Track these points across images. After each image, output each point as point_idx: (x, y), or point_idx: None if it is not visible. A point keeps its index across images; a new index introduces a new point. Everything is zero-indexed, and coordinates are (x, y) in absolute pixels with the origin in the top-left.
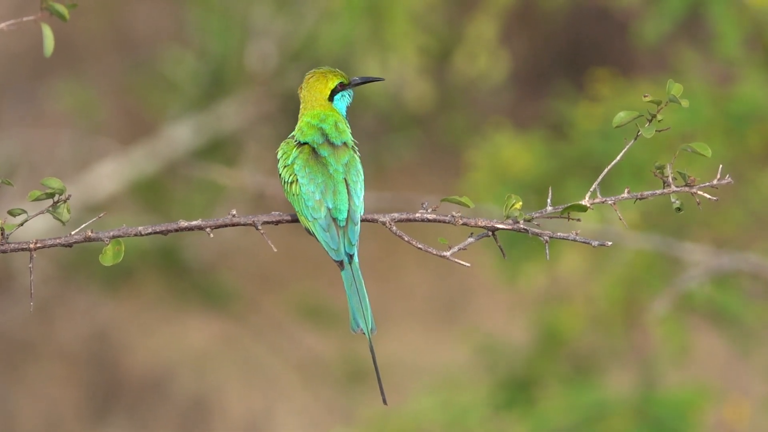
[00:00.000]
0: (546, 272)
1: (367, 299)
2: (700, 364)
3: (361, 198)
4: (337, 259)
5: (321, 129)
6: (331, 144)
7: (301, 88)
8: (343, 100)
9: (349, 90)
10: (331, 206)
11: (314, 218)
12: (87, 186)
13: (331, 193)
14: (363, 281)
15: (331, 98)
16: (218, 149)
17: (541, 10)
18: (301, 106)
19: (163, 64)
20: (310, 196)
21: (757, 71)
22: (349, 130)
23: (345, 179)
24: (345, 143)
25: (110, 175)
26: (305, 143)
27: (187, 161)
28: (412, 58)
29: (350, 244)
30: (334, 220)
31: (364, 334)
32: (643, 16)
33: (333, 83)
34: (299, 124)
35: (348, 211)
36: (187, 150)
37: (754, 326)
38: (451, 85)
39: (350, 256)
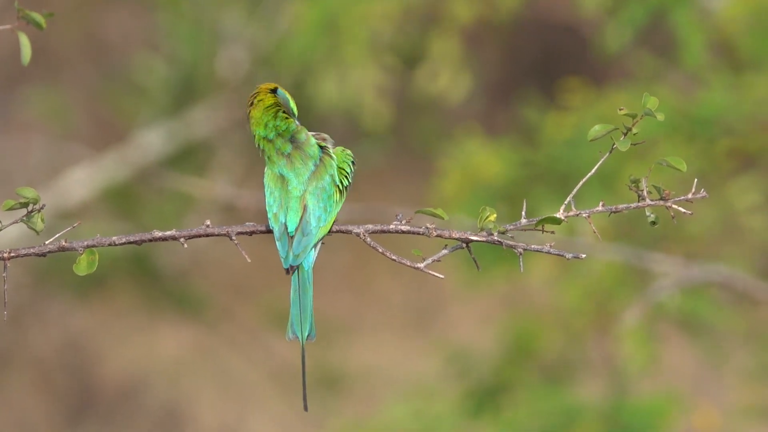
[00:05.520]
0: (516, 282)
1: (310, 310)
2: (671, 374)
3: (323, 218)
4: (284, 266)
5: (272, 144)
6: (290, 158)
7: (248, 116)
8: (283, 93)
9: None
10: (283, 220)
11: (272, 227)
12: (59, 192)
13: (285, 208)
14: (310, 291)
15: (274, 92)
16: (189, 155)
17: (498, 22)
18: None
19: (134, 71)
20: (270, 209)
21: (722, 77)
22: (295, 126)
23: (303, 196)
24: (303, 151)
25: (82, 181)
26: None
27: (157, 171)
28: (373, 76)
29: (294, 256)
30: (287, 231)
31: (298, 340)
32: (605, 25)
33: (269, 91)
34: (258, 144)
35: (298, 225)
36: (158, 156)
37: (724, 335)
38: (416, 97)
39: (294, 267)
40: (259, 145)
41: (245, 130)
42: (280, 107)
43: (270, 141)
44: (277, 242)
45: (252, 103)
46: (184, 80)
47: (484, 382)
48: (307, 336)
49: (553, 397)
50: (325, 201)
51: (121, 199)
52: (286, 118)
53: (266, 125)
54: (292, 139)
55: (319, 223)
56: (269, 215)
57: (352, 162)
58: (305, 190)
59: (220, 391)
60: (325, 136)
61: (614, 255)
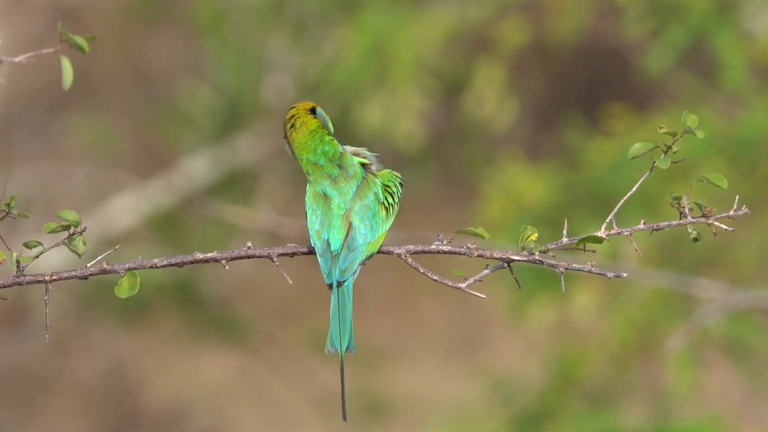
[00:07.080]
0: (558, 308)
1: (349, 323)
2: (714, 398)
3: (369, 235)
4: (327, 282)
5: (322, 169)
6: (335, 179)
7: (288, 137)
8: (321, 113)
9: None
10: (326, 237)
11: (315, 244)
12: (103, 219)
13: (328, 225)
14: (350, 305)
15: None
16: (234, 183)
17: (551, 46)
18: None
19: (179, 98)
20: (312, 225)
21: (764, 99)
22: (341, 150)
23: (347, 215)
24: (347, 171)
25: (127, 208)
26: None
27: (201, 200)
28: (416, 100)
29: (340, 271)
30: (330, 248)
31: (338, 353)
32: (647, 49)
33: (308, 112)
34: (304, 167)
35: (343, 243)
36: (204, 184)
37: (767, 360)
38: (461, 123)
39: (339, 283)
40: (305, 168)
41: (285, 152)
42: (324, 130)
43: (320, 167)
44: (319, 258)
45: (293, 126)
46: (229, 107)
47: (528, 408)
48: (346, 348)
49: (596, 422)
50: (371, 219)
51: (166, 226)
52: (332, 140)
53: (315, 151)
54: (339, 164)
55: (366, 240)
56: (311, 232)
57: (400, 183)
58: (349, 209)
59: (264, 417)
60: (363, 150)
61: (659, 281)
